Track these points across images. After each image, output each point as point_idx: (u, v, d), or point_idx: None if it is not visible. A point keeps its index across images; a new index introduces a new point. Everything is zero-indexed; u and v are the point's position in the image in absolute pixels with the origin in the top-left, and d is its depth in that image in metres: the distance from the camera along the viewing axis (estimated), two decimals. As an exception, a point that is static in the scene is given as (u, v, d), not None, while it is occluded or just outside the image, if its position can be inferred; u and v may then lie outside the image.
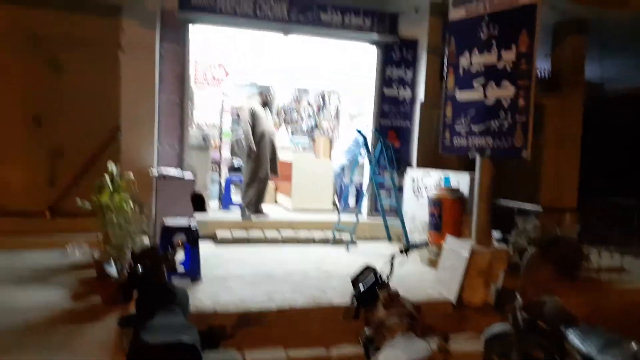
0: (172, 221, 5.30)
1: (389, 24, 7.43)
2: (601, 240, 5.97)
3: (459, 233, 6.04)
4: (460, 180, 6.30)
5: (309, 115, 13.11)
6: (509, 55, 4.66)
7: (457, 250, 4.97)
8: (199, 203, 3.60)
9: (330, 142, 11.39)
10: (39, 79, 6.58)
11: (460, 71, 5.15)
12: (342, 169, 8.82)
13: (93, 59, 6.58)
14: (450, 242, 5.18)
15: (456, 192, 6.14)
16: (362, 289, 3.22)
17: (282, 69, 10.17)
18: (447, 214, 6.05)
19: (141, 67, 6.81)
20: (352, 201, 8.54)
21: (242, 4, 6.95)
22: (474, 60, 5.00)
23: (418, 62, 7.93)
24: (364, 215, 7.98)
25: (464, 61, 5.11)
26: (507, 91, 4.68)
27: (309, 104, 13.18)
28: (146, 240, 5.98)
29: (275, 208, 8.73)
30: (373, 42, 7.79)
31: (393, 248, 7.31)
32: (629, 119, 10.17)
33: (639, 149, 10.11)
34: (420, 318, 3.16)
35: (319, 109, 12.57)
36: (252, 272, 5.62)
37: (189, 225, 5.20)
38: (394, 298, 3.15)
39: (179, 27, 7.05)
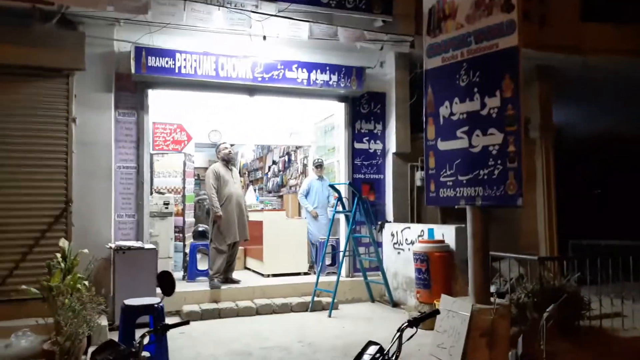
0: (134, 301, 4.66)
1: (355, 79, 7.25)
2: (596, 285, 5.68)
3: (449, 290, 5.65)
4: (446, 233, 5.97)
5: (275, 174, 12.75)
6: (493, 102, 4.45)
7: (456, 310, 4.55)
8: (167, 284, 3.05)
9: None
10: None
11: (441, 121, 4.92)
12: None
13: (41, 127, 6.02)
14: (446, 302, 4.75)
15: (443, 245, 5.79)
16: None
17: (246, 128, 9.86)
18: (436, 270, 5.66)
19: (95, 134, 6.31)
20: (328, 260, 8.05)
21: (203, 65, 6.61)
22: (455, 109, 4.78)
23: (387, 114, 7.76)
24: (342, 275, 7.50)
25: (444, 110, 4.89)
26: (494, 138, 4.43)
27: (274, 162, 12.85)
28: (105, 322, 5.30)
29: (246, 274, 8.12)
30: (340, 98, 7.60)
31: (376, 309, 6.84)
32: (595, 163, 10.30)
33: (613, 192, 10.19)
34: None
35: (284, 167, 12.23)
36: (226, 352, 5.00)
37: (153, 305, 4.58)
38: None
39: (136, 91, 6.64)
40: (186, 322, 3.03)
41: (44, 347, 4.63)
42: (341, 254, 7.32)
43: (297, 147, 11.34)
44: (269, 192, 12.69)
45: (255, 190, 11.80)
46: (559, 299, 4.59)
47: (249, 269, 8.67)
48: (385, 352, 2.83)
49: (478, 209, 4.67)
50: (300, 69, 7.00)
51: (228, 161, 7.33)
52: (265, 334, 5.63)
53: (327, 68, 7.12)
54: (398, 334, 2.88)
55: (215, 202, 6.91)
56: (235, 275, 7.35)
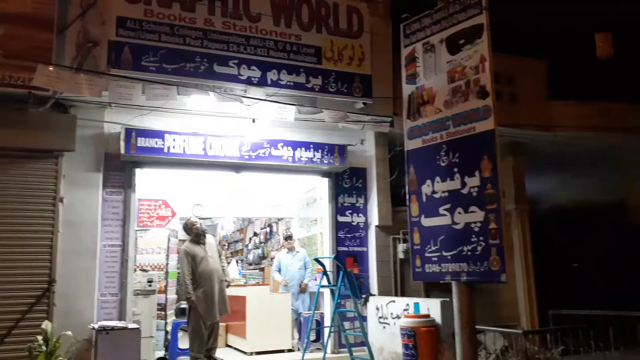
0: (120, 385, 4.57)
1: (338, 155, 7.55)
2: (579, 355, 5.77)
3: (437, 365, 5.66)
4: (431, 307, 6.05)
5: (256, 245, 12.74)
6: (473, 181, 4.71)
7: (446, 388, 4.56)
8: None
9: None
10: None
11: (424, 198, 5.14)
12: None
13: (29, 207, 6.05)
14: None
15: (429, 319, 5.85)
16: None
17: (228, 201, 9.97)
18: (423, 344, 5.69)
19: (82, 213, 6.37)
20: (312, 335, 7.96)
21: (191, 144, 6.82)
22: (437, 187, 5.02)
23: (368, 189, 8.01)
24: (328, 351, 7.42)
25: (426, 189, 5.12)
26: (476, 216, 4.65)
27: (255, 233, 12.87)
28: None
29: (227, 352, 7.95)
30: (324, 174, 7.85)
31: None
32: (570, 232, 10.65)
33: (589, 260, 10.48)
34: None
35: (266, 238, 12.26)
36: None
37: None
38: None
39: (124, 170, 6.77)
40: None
41: None
42: (327, 329, 7.29)
43: (279, 219, 11.45)
44: (250, 264, 12.61)
45: (237, 263, 11.73)
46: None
47: (230, 346, 8.48)
48: None
49: (464, 284, 4.81)
50: (285, 147, 7.27)
51: (201, 236, 7.10)
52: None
53: (311, 146, 7.41)
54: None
55: (188, 287, 6.67)
56: (217, 353, 7.18)
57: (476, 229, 4.65)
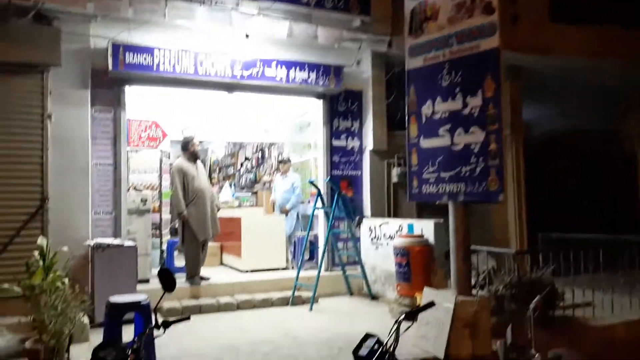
0: (118, 298, 4.63)
1: (334, 77, 7.34)
2: (568, 277, 5.95)
3: (428, 283, 5.81)
4: (425, 227, 6.13)
5: (248, 170, 12.73)
6: (475, 101, 4.62)
7: (440, 302, 4.69)
8: (167, 280, 3.06)
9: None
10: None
11: (423, 119, 5.06)
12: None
13: (16, 123, 5.86)
14: (429, 294, 4.90)
15: (422, 239, 5.95)
16: (369, 364, 2.78)
17: (219, 125, 9.83)
18: (416, 263, 5.82)
19: (71, 130, 6.20)
20: (306, 255, 8.13)
21: (182, 61, 6.55)
22: (437, 107, 4.93)
23: (364, 112, 7.88)
24: (322, 269, 7.61)
25: (426, 109, 5.03)
26: (476, 136, 4.61)
27: (247, 158, 12.82)
28: (86, 320, 5.23)
29: (223, 270, 8.12)
30: (319, 96, 7.67)
31: (356, 302, 6.97)
32: (563, 159, 10.71)
33: (580, 186, 10.61)
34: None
35: (257, 163, 12.23)
36: (213, 347, 5.01)
37: (139, 302, 4.56)
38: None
39: (113, 88, 6.54)
40: (187, 318, 3.06)
41: (26, 346, 4.54)
42: (321, 249, 7.43)
43: (271, 144, 11.37)
44: (242, 188, 12.65)
45: (230, 186, 11.73)
46: (536, 291, 4.81)
47: (226, 265, 8.66)
48: (383, 344, 2.93)
49: (460, 204, 4.84)
50: (279, 67, 7.03)
51: (195, 156, 7.19)
52: (249, 328, 5.67)
53: (306, 66, 7.18)
54: (395, 325, 2.98)
55: (181, 202, 6.76)
56: (211, 271, 7.34)
57: (476, 150, 4.62)
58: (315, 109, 8.10)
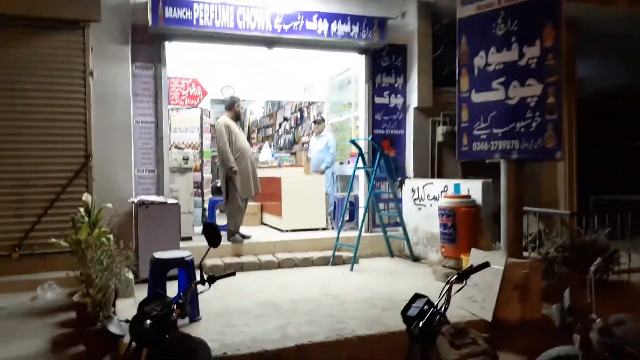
0: (162, 254, 4.64)
1: (377, 30, 7.02)
2: (623, 240, 5.63)
3: (475, 245, 5.61)
4: (472, 188, 5.89)
5: (286, 131, 12.61)
6: (533, 51, 4.29)
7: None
8: (212, 235, 2.99)
9: (311, 157, 10.90)
10: (-2, 104, 5.82)
11: (475, 72, 4.75)
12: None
13: (58, 81, 5.86)
14: (478, 255, 4.72)
15: (470, 200, 5.72)
16: (419, 324, 2.65)
17: (257, 83, 9.64)
18: (462, 225, 5.62)
19: (113, 87, 6.19)
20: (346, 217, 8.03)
21: (221, 16, 6.37)
22: (491, 59, 4.61)
23: (408, 68, 7.55)
24: (362, 230, 7.51)
25: (478, 61, 4.72)
26: (533, 90, 4.30)
27: (285, 118, 12.68)
28: (130, 276, 5.30)
29: (263, 230, 8.13)
30: (361, 50, 7.38)
31: (397, 263, 6.86)
32: (617, 117, 10.11)
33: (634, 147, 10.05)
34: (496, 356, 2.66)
35: (296, 123, 12.08)
36: (255, 304, 5.01)
37: (184, 258, 4.57)
38: (464, 334, 2.64)
39: (153, 44, 6.46)
40: (232, 274, 3.00)
41: (74, 300, 4.64)
42: (362, 209, 7.30)
43: (310, 103, 11.16)
44: (280, 149, 12.58)
45: (270, 146, 11.68)
46: (590, 254, 4.56)
47: (266, 224, 8.67)
48: (433, 305, 2.79)
49: (512, 163, 4.58)
50: (320, 20, 6.77)
51: (239, 116, 7.24)
52: (290, 286, 5.65)
53: (348, 18, 6.88)
54: (447, 286, 2.83)
55: (230, 156, 6.74)
56: (252, 231, 7.34)
57: (532, 104, 4.32)
58: (356, 65, 7.86)
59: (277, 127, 13.40)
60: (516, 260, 4.47)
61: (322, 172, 8.32)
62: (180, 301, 2.67)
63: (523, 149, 4.39)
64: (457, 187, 6.02)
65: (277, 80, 9.74)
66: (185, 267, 4.53)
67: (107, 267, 4.45)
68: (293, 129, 12.27)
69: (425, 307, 2.80)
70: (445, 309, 2.75)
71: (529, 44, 4.31)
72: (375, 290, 5.46)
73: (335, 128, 9.66)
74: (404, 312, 2.83)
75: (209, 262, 6.38)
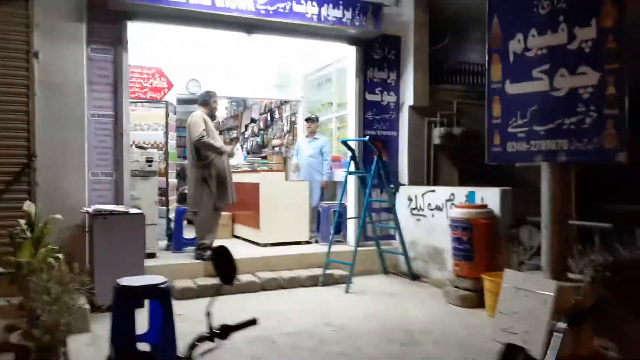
0: (130, 280, 3.61)
1: (371, 16, 6.24)
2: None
3: (493, 262, 4.91)
4: (487, 196, 5.17)
5: (254, 133, 11.65)
6: (587, 33, 3.60)
7: (531, 288, 3.77)
8: (226, 265, 2.06)
9: (285, 160, 10.01)
10: None
11: (511, 58, 4.04)
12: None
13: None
14: (514, 278, 3.98)
15: (488, 210, 4.99)
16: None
17: (224, 79, 8.63)
18: (480, 239, 4.88)
19: (63, 73, 5.12)
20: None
21: (196, -7, 5.42)
22: (532, 43, 3.91)
23: (402, 62, 6.80)
24: (351, 244, 6.69)
25: (515, 45, 4.01)
26: (587, 79, 3.61)
27: (253, 120, 11.72)
28: (86, 306, 4.24)
29: (236, 244, 7.14)
30: (352, 40, 6.57)
31: (394, 282, 6.06)
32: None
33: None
34: None
35: (266, 125, 11.15)
36: (246, 341, 4.03)
37: (158, 285, 3.56)
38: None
39: (113, 23, 5.42)
40: (252, 322, 2.09)
41: (11, 340, 3.57)
42: (353, 220, 6.50)
43: (283, 102, 10.27)
44: (248, 153, 11.59)
45: (242, 148, 10.67)
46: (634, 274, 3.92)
47: (238, 237, 7.68)
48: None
49: (557, 167, 3.87)
50: (310, 2, 5.92)
51: (213, 114, 6.28)
52: (282, 315, 4.73)
53: (340, 2, 6.06)
54: (554, 336, 2.07)
55: (216, 143, 5.86)
56: (221, 244, 6.34)
57: (585, 96, 3.63)
58: (342, 59, 7.09)
59: (243, 130, 12.41)
60: (566, 284, 3.75)
61: (325, 185, 7.45)
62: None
63: (573, 150, 3.69)
64: (471, 195, 5.28)
65: (247, 75, 8.78)
66: (159, 297, 3.53)
67: (58, 299, 3.42)
68: (262, 132, 11.32)
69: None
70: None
71: (582, 24, 3.63)
72: (384, 318, 4.64)
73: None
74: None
75: (178, 284, 5.38)
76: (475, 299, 4.83)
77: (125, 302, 3.43)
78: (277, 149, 10.56)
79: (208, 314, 2.08)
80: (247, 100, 11.81)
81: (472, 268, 4.90)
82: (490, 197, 5.13)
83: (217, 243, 6.05)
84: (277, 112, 10.73)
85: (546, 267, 3.97)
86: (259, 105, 11.43)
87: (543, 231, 3.98)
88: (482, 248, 4.88)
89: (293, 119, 9.87)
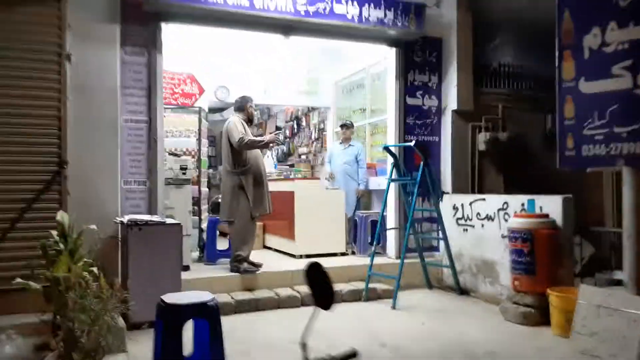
0: (175, 297, 3.31)
1: (414, 17, 5.94)
2: None
3: (556, 276, 4.54)
4: (546, 205, 4.80)
5: (281, 142, 11.38)
6: (676, 24, 3.26)
7: (617, 307, 3.40)
8: (321, 285, 1.76)
9: (312, 168, 9.71)
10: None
11: (586, 54, 3.70)
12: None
13: (25, 65, 4.48)
14: (593, 294, 3.61)
15: (550, 220, 4.62)
16: None
17: (251, 85, 8.38)
18: (542, 251, 4.50)
19: (96, 76, 4.88)
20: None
21: (233, -8, 5.16)
22: (610, 37, 3.57)
23: (444, 64, 6.49)
24: (392, 256, 6.36)
25: (590, 40, 3.67)
26: (678, 74, 3.26)
27: (278, 127, 11.46)
28: (122, 323, 3.95)
29: (268, 255, 6.83)
30: (392, 42, 6.27)
31: (442, 298, 5.69)
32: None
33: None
34: None
35: (292, 133, 10.87)
36: (294, 361, 3.72)
37: (206, 303, 3.25)
38: None
39: (147, 25, 5.19)
40: (353, 355, 1.78)
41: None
42: (393, 231, 6.17)
43: (310, 110, 9.99)
44: (278, 161, 11.32)
45: (270, 156, 10.39)
46: None
47: (270, 248, 7.37)
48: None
49: (641, 172, 3.51)
50: (350, 2, 5.64)
51: (251, 119, 6.04)
52: (327, 333, 4.35)
53: (382, 2, 5.78)
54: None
55: (258, 139, 5.69)
56: (255, 257, 6.03)
57: (676, 93, 3.27)
58: (375, 63, 6.98)
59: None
60: (657, 302, 3.37)
61: (361, 194, 7.15)
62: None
63: (663, 154, 3.33)
64: (531, 203, 4.91)
65: (276, 82, 8.52)
66: (208, 316, 3.22)
67: (98, 318, 3.13)
68: (288, 139, 11.05)
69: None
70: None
71: (671, 15, 3.28)
72: (440, 338, 4.28)
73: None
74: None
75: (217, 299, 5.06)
76: (538, 317, 4.45)
77: (171, 321, 3.13)
78: (304, 157, 10.27)
79: (304, 345, 1.77)
80: (272, 108, 11.56)
81: (533, 282, 4.52)
82: (551, 205, 4.76)
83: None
84: (304, 119, 10.46)
85: (630, 282, 3.59)
86: (285, 112, 11.17)
87: (625, 243, 3.61)
88: (545, 261, 4.50)
89: (322, 126, 9.59)
